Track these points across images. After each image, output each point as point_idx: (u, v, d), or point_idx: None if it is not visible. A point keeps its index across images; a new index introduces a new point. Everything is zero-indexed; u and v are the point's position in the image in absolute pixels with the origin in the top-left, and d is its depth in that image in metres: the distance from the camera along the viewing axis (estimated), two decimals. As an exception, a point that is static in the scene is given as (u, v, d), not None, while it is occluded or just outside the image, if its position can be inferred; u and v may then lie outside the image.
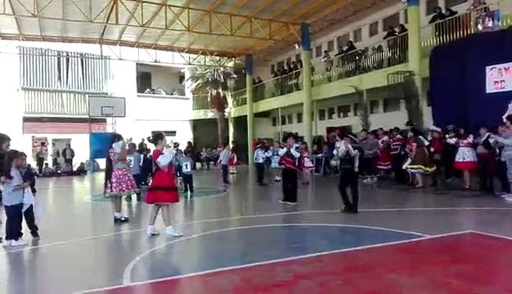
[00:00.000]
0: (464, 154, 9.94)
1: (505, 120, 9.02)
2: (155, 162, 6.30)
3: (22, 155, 6.34)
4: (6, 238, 5.83)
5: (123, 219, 7.58)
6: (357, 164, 7.78)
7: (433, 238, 5.60)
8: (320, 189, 12.88)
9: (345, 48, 18.86)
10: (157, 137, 6.40)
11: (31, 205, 6.05)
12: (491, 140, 9.21)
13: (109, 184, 7.47)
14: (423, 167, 10.66)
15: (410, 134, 11.42)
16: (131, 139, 15.13)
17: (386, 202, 9.48)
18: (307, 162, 13.42)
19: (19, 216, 5.94)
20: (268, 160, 14.48)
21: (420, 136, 11.22)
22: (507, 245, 5.22)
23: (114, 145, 7.52)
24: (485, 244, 5.34)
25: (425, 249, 5.22)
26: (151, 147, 14.60)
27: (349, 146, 7.63)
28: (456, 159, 10.16)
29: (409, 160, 11.06)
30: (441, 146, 10.73)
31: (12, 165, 5.81)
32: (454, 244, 5.49)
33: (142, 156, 13.46)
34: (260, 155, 13.85)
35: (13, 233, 5.83)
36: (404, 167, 11.30)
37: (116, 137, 7.77)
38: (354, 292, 3.71)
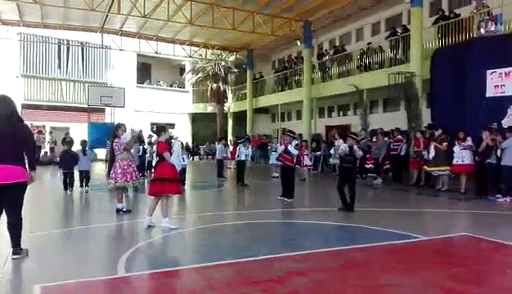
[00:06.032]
0: (463, 157, 9.96)
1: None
2: (159, 154, 6.32)
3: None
4: (87, 187, 10.62)
5: (125, 209, 7.47)
6: (357, 164, 7.80)
7: (428, 240, 5.63)
8: (317, 187, 12.90)
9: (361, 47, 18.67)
10: (161, 129, 6.56)
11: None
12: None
13: (112, 175, 7.25)
14: (449, 169, 10.42)
15: (438, 132, 10.84)
16: (141, 131, 15.18)
17: (382, 202, 9.51)
18: (306, 160, 13.42)
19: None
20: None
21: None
22: (501, 248, 5.25)
23: (122, 136, 7.27)
24: (480, 247, 5.38)
25: (420, 250, 5.24)
26: (146, 139, 14.83)
27: (355, 148, 7.65)
28: (454, 162, 10.17)
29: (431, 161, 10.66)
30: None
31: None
32: (449, 246, 5.53)
33: (141, 147, 13.47)
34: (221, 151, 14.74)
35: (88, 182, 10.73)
36: (428, 170, 11.00)
37: (120, 127, 7.45)
38: (348, 290, 3.73)
